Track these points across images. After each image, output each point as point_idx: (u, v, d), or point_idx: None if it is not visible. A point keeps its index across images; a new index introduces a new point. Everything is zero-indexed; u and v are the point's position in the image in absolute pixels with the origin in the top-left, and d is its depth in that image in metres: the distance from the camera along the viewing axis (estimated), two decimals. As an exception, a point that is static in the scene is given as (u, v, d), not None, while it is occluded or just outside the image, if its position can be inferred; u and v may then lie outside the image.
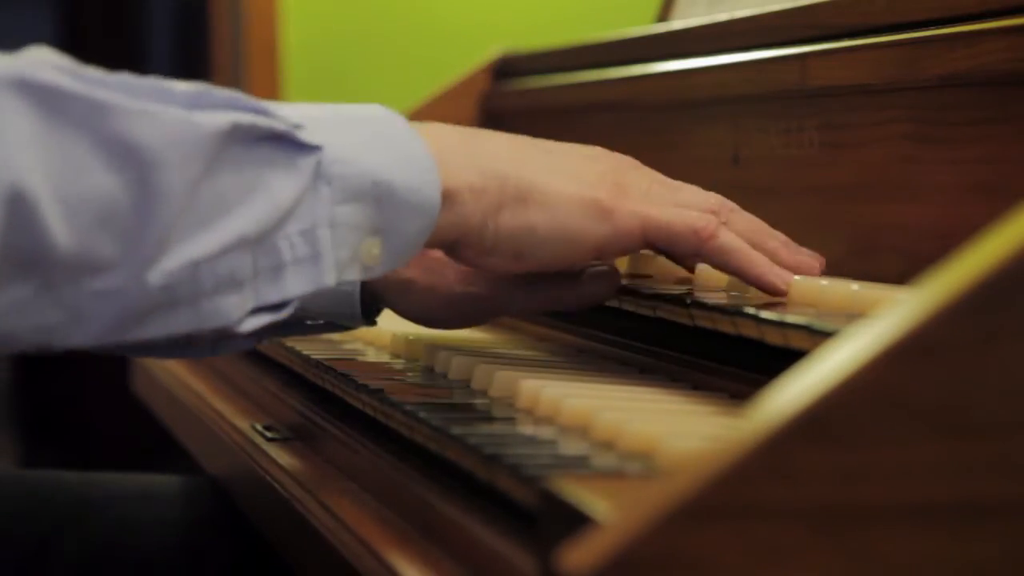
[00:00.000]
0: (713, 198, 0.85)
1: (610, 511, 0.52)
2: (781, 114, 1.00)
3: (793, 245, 0.86)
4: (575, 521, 0.53)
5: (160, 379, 1.29)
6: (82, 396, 3.28)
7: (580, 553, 0.48)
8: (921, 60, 0.86)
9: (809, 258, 0.85)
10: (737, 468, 0.49)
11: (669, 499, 0.48)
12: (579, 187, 0.81)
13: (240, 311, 0.72)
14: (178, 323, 0.70)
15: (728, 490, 0.49)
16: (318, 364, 0.94)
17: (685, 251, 0.83)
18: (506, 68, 1.45)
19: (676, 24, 1.28)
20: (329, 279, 0.73)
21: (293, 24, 2.68)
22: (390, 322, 1.03)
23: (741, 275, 0.82)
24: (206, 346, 0.82)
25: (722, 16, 1.08)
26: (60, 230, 0.64)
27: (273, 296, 0.73)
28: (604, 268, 0.88)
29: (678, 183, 0.86)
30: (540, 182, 0.80)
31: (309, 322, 0.92)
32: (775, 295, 0.81)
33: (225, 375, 1.18)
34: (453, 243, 0.80)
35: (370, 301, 0.91)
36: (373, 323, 0.92)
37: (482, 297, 0.88)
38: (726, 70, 1.06)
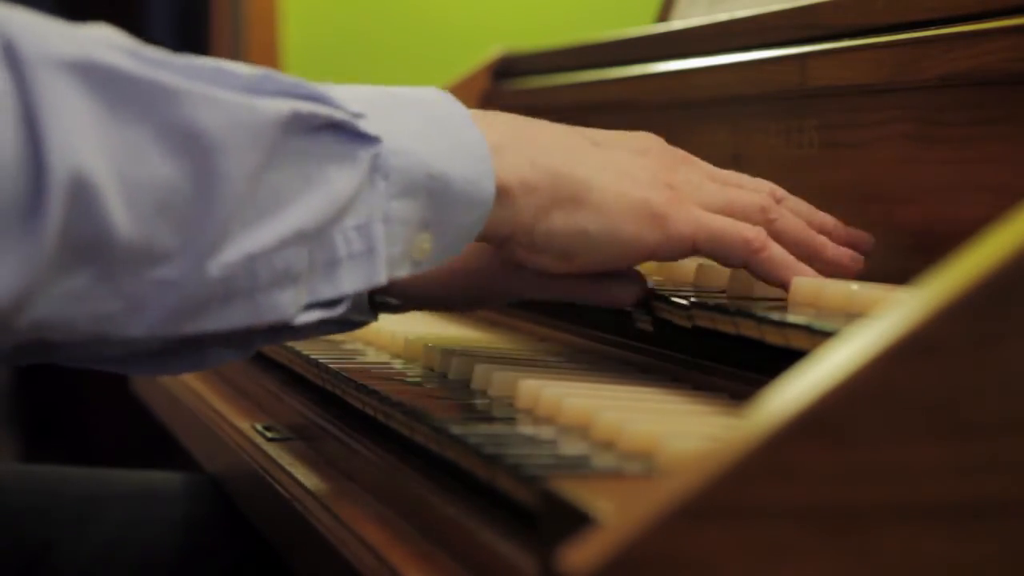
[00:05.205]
0: (764, 189, 0.85)
1: (610, 511, 0.52)
2: (781, 114, 1.00)
3: (841, 227, 0.86)
4: (575, 521, 0.53)
5: (160, 379, 1.29)
6: (82, 396, 3.28)
7: (580, 553, 0.48)
8: (921, 60, 0.86)
9: (854, 247, 0.85)
10: (737, 468, 0.49)
11: (669, 499, 0.48)
12: (633, 188, 0.80)
13: (295, 306, 0.71)
14: (234, 316, 0.69)
15: (728, 490, 0.49)
16: (318, 364, 0.94)
17: (734, 261, 0.82)
18: (506, 68, 1.45)
19: (676, 24, 1.28)
20: (382, 276, 0.72)
21: (293, 24, 2.68)
22: (390, 322, 1.03)
23: (786, 288, 0.82)
24: (188, 358, 0.81)
25: (722, 16, 1.08)
26: (121, 217, 0.63)
27: (327, 292, 0.72)
28: (633, 272, 0.86)
29: (728, 174, 0.85)
30: (594, 182, 0.79)
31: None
32: None
33: (225, 375, 1.18)
34: (503, 239, 0.79)
35: (370, 293, 0.87)
36: (375, 318, 0.89)
37: (494, 278, 0.86)
38: (726, 70, 1.06)
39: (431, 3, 2.74)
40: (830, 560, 0.50)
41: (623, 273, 0.86)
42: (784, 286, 0.82)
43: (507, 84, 1.43)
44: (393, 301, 0.89)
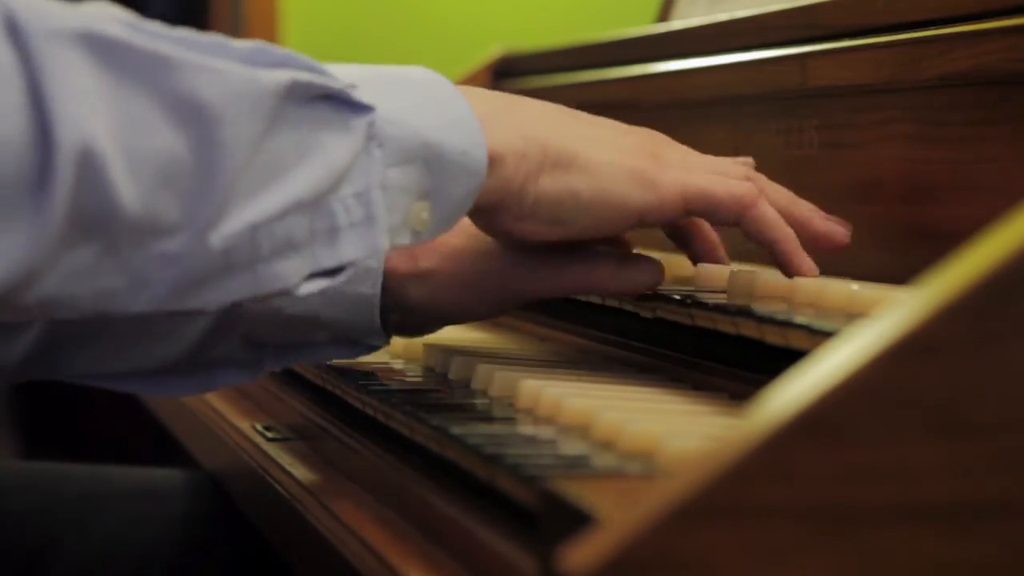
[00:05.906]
0: (744, 167, 0.86)
1: (610, 511, 0.52)
2: (781, 114, 1.00)
3: (820, 214, 0.87)
4: (575, 521, 0.53)
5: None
6: (82, 396, 3.28)
7: (580, 553, 0.48)
8: (921, 60, 0.86)
9: (838, 225, 0.85)
10: (737, 468, 0.49)
11: (669, 499, 0.49)
12: (620, 155, 0.81)
13: (297, 276, 0.71)
14: (236, 289, 0.69)
15: (728, 490, 0.49)
16: (318, 364, 0.94)
17: (725, 219, 0.82)
18: (506, 68, 1.45)
19: (676, 24, 1.28)
20: (383, 243, 0.73)
21: (293, 24, 2.68)
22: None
23: (774, 248, 0.82)
24: (193, 383, 0.82)
25: (722, 16, 1.08)
26: (127, 190, 0.62)
27: (329, 260, 0.72)
28: (647, 256, 0.87)
29: (709, 156, 0.86)
30: (582, 148, 0.80)
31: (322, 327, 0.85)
32: (799, 275, 0.82)
33: (225, 375, 1.18)
34: (493, 207, 0.79)
35: (385, 312, 0.86)
36: (387, 342, 0.88)
37: (507, 278, 0.86)
38: (726, 70, 1.06)
39: (431, 3, 2.74)
40: (830, 560, 0.50)
41: (637, 255, 0.86)
42: (774, 249, 0.82)
43: (507, 84, 1.43)
44: (411, 320, 0.88)
